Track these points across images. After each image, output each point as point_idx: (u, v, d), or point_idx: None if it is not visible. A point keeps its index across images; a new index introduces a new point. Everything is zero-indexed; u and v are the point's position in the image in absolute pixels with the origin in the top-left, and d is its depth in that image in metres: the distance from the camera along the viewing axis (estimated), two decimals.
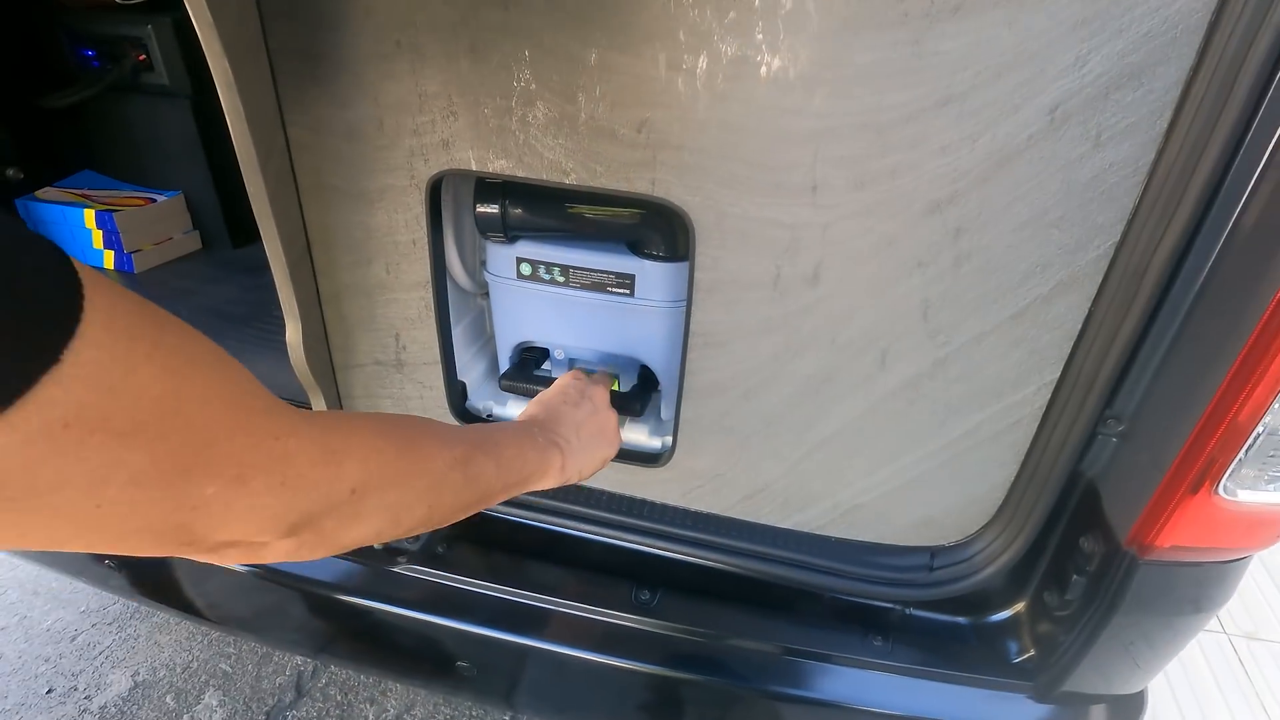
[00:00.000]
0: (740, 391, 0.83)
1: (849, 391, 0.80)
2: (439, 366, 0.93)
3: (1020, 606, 0.91)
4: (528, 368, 1.01)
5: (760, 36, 0.62)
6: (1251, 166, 0.59)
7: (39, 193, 1.60)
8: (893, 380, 0.78)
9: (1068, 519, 0.83)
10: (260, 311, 1.41)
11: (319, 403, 0.98)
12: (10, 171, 1.59)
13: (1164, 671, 1.70)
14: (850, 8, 0.60)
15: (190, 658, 1.67)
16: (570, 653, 0.96)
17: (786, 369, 0.80)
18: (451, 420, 0.98)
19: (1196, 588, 0.77)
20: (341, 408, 1.01)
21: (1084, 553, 0.79)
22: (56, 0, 1.49)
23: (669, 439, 0.92)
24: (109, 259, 1.58)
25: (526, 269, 0.90)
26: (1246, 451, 0.63)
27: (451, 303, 0.93)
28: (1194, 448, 0.66)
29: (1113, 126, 0.61)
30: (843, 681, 0.93)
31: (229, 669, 1.65)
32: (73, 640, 1.70)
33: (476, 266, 0.98)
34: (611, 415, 0.81)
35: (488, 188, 0.85)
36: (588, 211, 0.85)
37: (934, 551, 0.90)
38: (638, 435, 0.99)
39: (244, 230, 1.70)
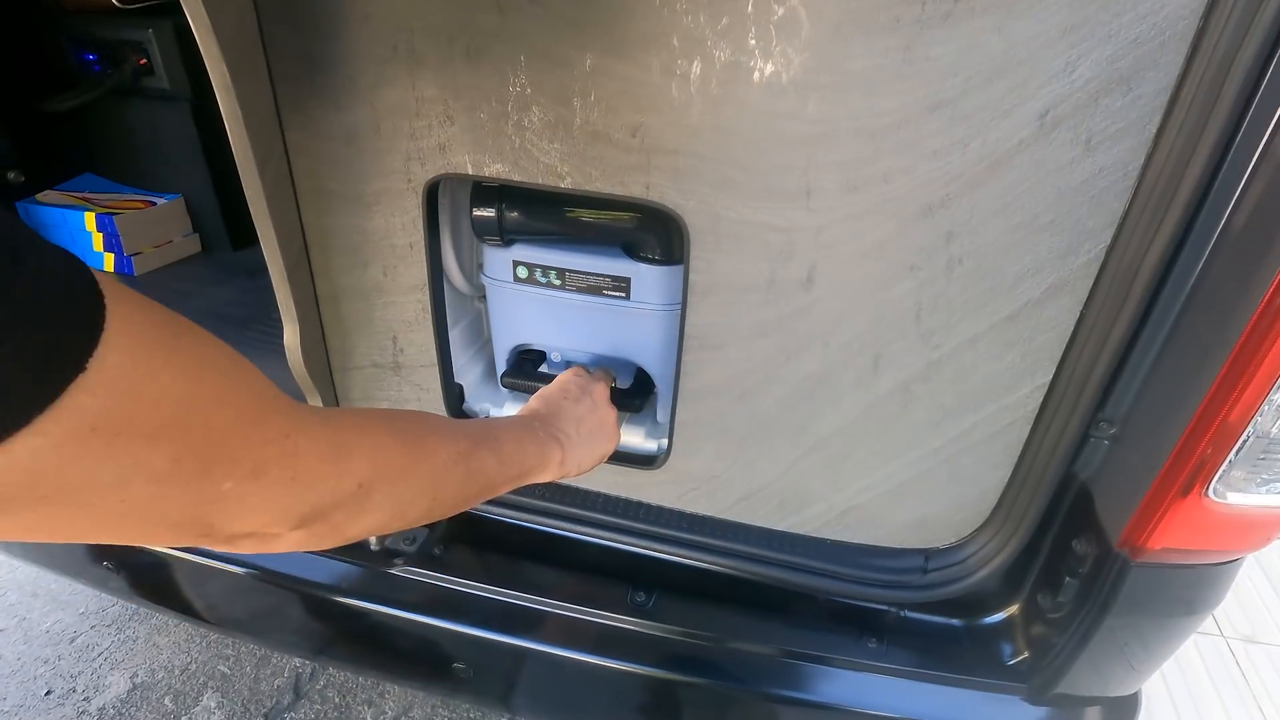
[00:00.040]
0: (735, 394, 0.84)
1: (843, 394, 0.81)
2: (436, 369, 0.94)
3: (1014, 609, 0.91)
4: (526, 368, 1.01)
5: (753, 42, 0.63)
6: (1239, 171, 0.60)
7: (40, 195, 1.61)
8: (887, 383, 0.79)
9: (1061, 521, 0.83)
10: (260, 314, 1.42)
11: (317, 405, 0.98)
12: (11, 174, 1.59)
13: (1161, 674, 1.71)
14: (841, 14, 0.60)
15: (189, 659, 1.67)
16: (566, 654, 0.97)
17: (781, 371, 0.81)
18: None
19: (1188, 590, 0.77)
20: None
21: (1076, 555, 0.80)
22: (58, 5, 1.49)
23: (665, 441, 0.92)
24: (109, 261, 1.59)
25: (523, 272, 0.90)
26: (1236, 454, 0.64)
27: (449, 305, 0.94)
28: (1184, 451, 0.67)
29: (1102, 131, 0.62)
30: (838, 683, 0.94)
31: (227, 671, 1.65)
32: (72, 642, 1.71)
33: (474, 269, 0.98)
34: (611, 411, 0.82)
35: (484, 191, 0.86)
36: (583, 215, 0.85)
37: (928, 554, 0.91)
38: (634, 437, 0.99)
39: (243, 233, 1.71)
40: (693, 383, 0.84)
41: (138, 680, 1.62)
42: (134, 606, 1.78)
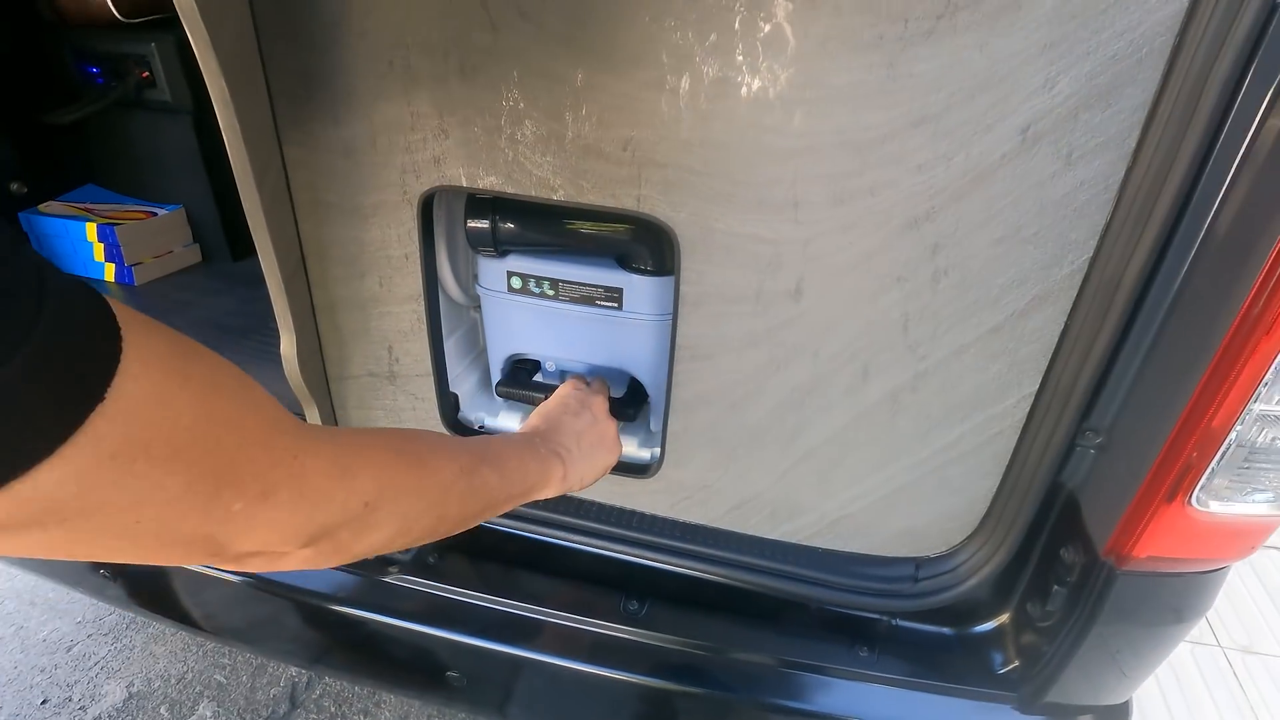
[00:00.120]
0: (726, 403, 0.85)
1: (833, 404, 0.81)
2: (431, 378, 0.95)
3: (1004, 617, 0.92)
4: (521, 377, 1.02)
5: (740, 58, 0.64)
6: (1218, 183, 0.61)
7: (42, 206, 1.62)
8: (875, 393, 0.80)
9: (1049, 530, 0.84)
10: (258, 324, 1.43)
11: (313, 414, 0.99)
12: (14, 185, 1.61)
13: (1158, 684, 1.71)
14: (826, 31, 0.62)
15: (185, 668, 1.67)
16: (559, 663, 0.97)
17: (771, 381, 0.81)
18: (444, 432, 0.99)
19: (1175, 598, 0.78)
20: (335, 419, 1.02)
21: (1064, 563, 0.80)
22: (62, 18, 1.51)
23: (657, 450, 0.93)
24: (110, 271, 1.60)
25: (517, 282, 0.91)
26: (1218, 462, 0.65)
27: (444, 316, 0.95)
28: (1167, 459, 0.68)
29: (1083, 145, 0.63)
30: (829, 692, 0.94)
31: (224, 680, 1.65)
32: (69, 651, 1.71)
33: (469, 280, 0.99)
34: (611, 424, 0.83)
35: (478, 203, 0.87)
36: (576, 227, 0.86)
37: (919, 562, 0.91)
38: (627, 446, 1.00)
39: (243, 243, 1.72)
40: (684, 392, 0.85)
41: (134, 689, 1.62)
42: (131, 615, 1.78)
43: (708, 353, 0.81)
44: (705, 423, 0.87)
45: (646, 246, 0.86)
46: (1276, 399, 0.63)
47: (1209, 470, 0.65)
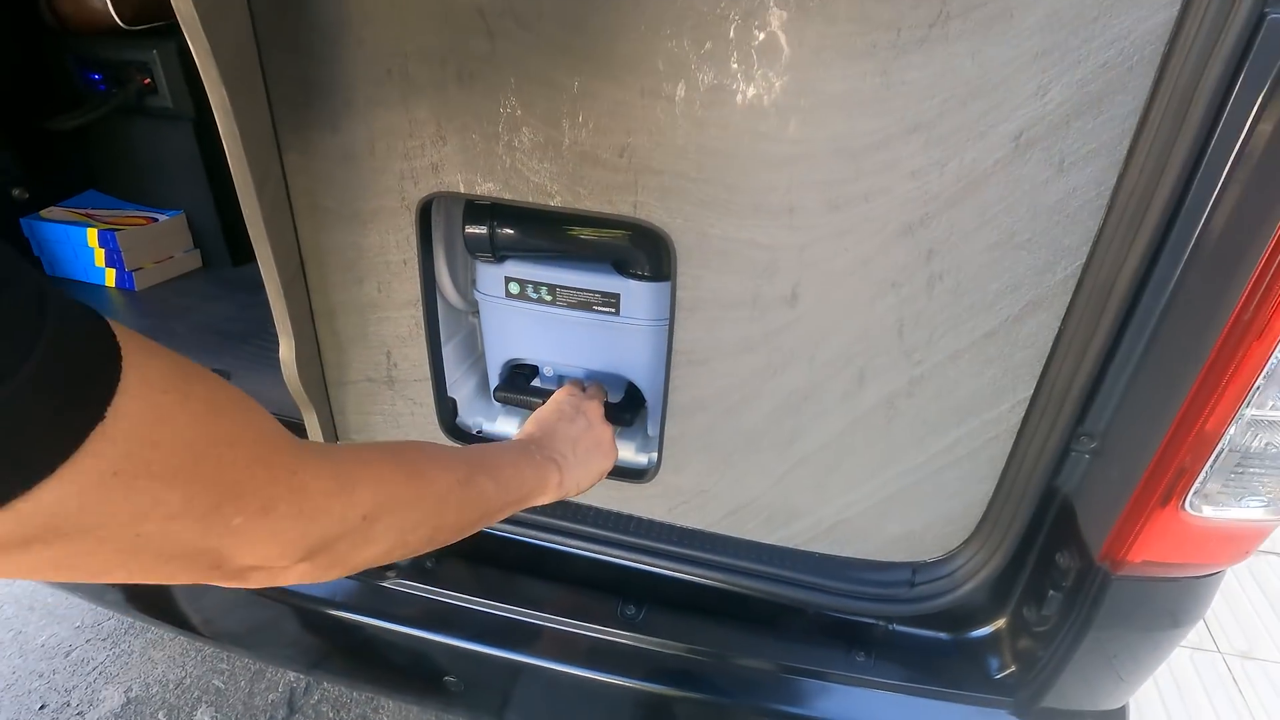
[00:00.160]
0: (723, 408, 0.85)
1: (829, 409, 0.82)
2: (429, 383, 0.95)
3: (1001, 622, 0.92)
4: (519, 382, 1.03)
5: (735, 66, 0.65)
6: (1209, 189, 0.61)
7: (43, 212, 1.63)
8: (871, 397, 0.80)
9: (1044, 535, 0.84)
10: (258, 329, 1.43)
11: (312, 420, 0.99)
12: (16, 191, 1.62)
13: (1157, 690, 1.71)
14: (820, 39, 0.62)
15: (183, 674, 1.67)
16: (557, 668, 0.97)
17: (767, 386, 0.82)
18: (442, 437, 1.00)
19: (1170, 602, 0.78)
20: (334, 424, 1.03)
21: (1060, 568, 0.81)
22: (65, 26, 1.52)
23: (655, 455, 0.93)
24: (110, 277, 1.61)
25: (515, 288, 0.92)
26: (1211, 467, 0.65)
27: (442, 321, 0.95)
28: (1161, 464, 0.68)
29: (1075, 152, 0.63)
30: (827, 697, 0.94)
31: (222, 685, 1.65)
32: (67, 656, 1.71)
33: (467, 285, 1.00)
34: (607, 429, 0.83)
35: (476, 209, 0.88)
36: (574, 232, 0.87)
37: (916, 567, 0.91)
38: (625, 451, 1.00)
39: (244, 249, 1.71)
40: (681, 397, 0.85)
41: (132, 694, 1.62)
42: (129, 620, 1.78)
43: (704, 358, 0.82)
44: (702, 427, 0.87)
45: (643, 252, 0.86)
46: (1271, 404, 0.63)
47: (1202, 475, 0.66)
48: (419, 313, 0.89)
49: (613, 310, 0.90)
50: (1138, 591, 0.76)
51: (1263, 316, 0.59)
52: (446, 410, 1.00)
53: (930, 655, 0.94)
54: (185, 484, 0.36)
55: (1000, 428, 0.79)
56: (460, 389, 1.05)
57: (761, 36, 0.63)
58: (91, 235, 1.56)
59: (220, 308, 1.55)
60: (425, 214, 0.83)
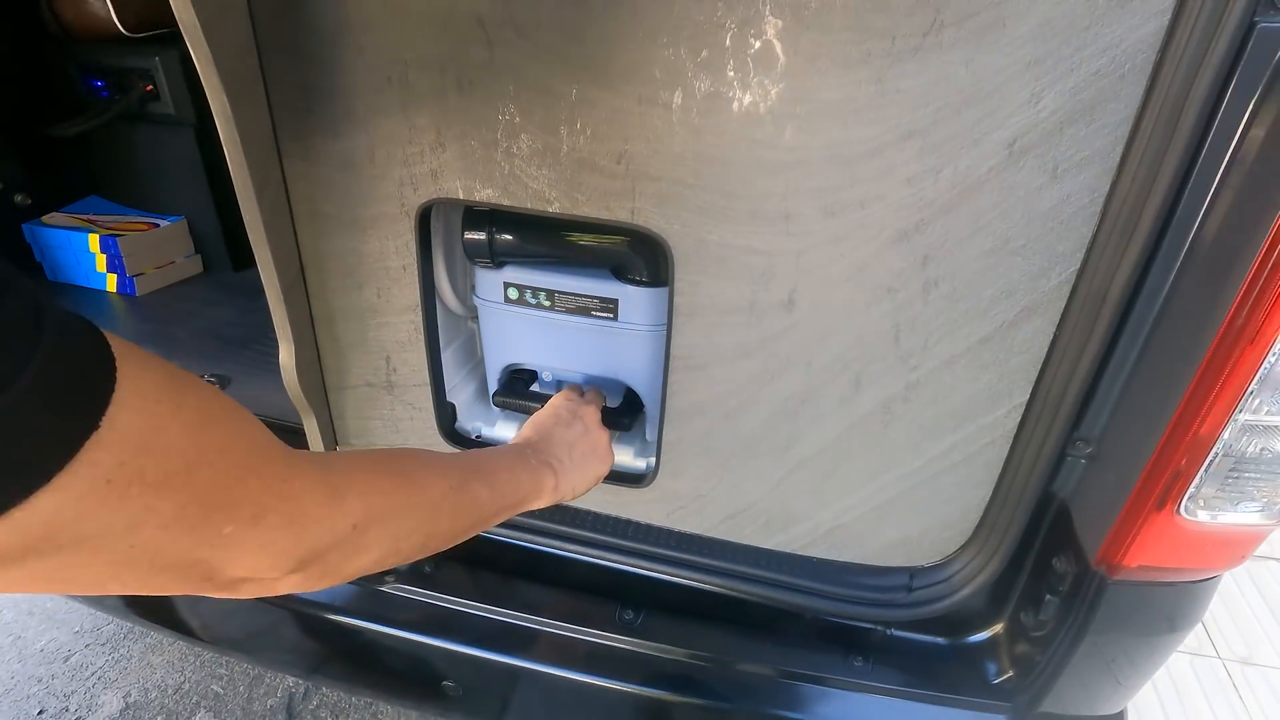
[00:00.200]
0: (720, 413, 0.85)
1: (826, 414, 0.82)
2: (429, 388, 0.95)
3: (999, 627, 0.92)
4: (518, 387, 1.03)
5: (732, 74, 0.65)
6: (1200, 196, 0.62)
7: (46, 218, 1.64)
8: (867, 403, 0.80)
9: (1041, 540, 0.84)
10: (258, 334, 1.44)
11: (311, 424, 1.00)
12: (18, 197, 1.63)
13: (1157, 696, 1.71)
14: (816, 47, 0.63)
15: (182, 679, 1.67)
16: (555, 672, 0.97)
17: (764, 391, 0.82)
18: (441, 441, 1.00)
19: (1166, 607, 0.78)
20: (334, 429, 1.03)
21: (1057, 573, 0.81)
22: (68, 33, 1.54)
23: (653, 460, 0.94)
24: (112, 282, 1.62)
25: (514, 293, 0.92)
26: (1205, 472, 0.65)
27: (442, 326, 0.96)
28: (1155, 470, 0.68)
29: (1068, 159, 0.64)
30: (825, 702, 0.94)
31: (220, 690, 1.65)
32: (66, 660, 1.71)
33: (466, 291, 1.00)
34: (603, 434, 0.83)
35: (475, 215, 0.88)
36: (572, 238, 0.87)
37: (913, 572, 0.92)
38: (623, 456, 1.00)
39: (244, 254, 1.72)
40: (679, 402, 0.86)
41: (131, 699, 1.62)
42: (129, 625, 1.78)
43: (701, 363, 0.82)
44: (700, 432, 0.87)
45: (641, 258, 0.87)
46: (1265, 409, 0.64)
47: (1197, 479, 0.66)
48: (418, 318, 0.90)
49: (611, 315, 0.90)
50: (1134, 596, 0.76)
51: (1255, 322, 0.59)
52: (446, 415, 1.00)
53: (928, 660, 0.94)
54: (177, 492, 0.36)
55: (996, 433, 0.79)
56: (459, 394, 1.06)
57: (757, 45, 0.64)
58: (93, 241, 1.57)
59: (221, 313, 1.56)
60: (425, 220, 0.84)
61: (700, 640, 0.98)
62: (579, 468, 0.77)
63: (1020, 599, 0.89)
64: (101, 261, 1.59)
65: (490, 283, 0.93)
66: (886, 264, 0.72)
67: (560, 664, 0.97)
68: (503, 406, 1.02)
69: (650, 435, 1.02)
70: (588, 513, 0.99)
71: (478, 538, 1.01)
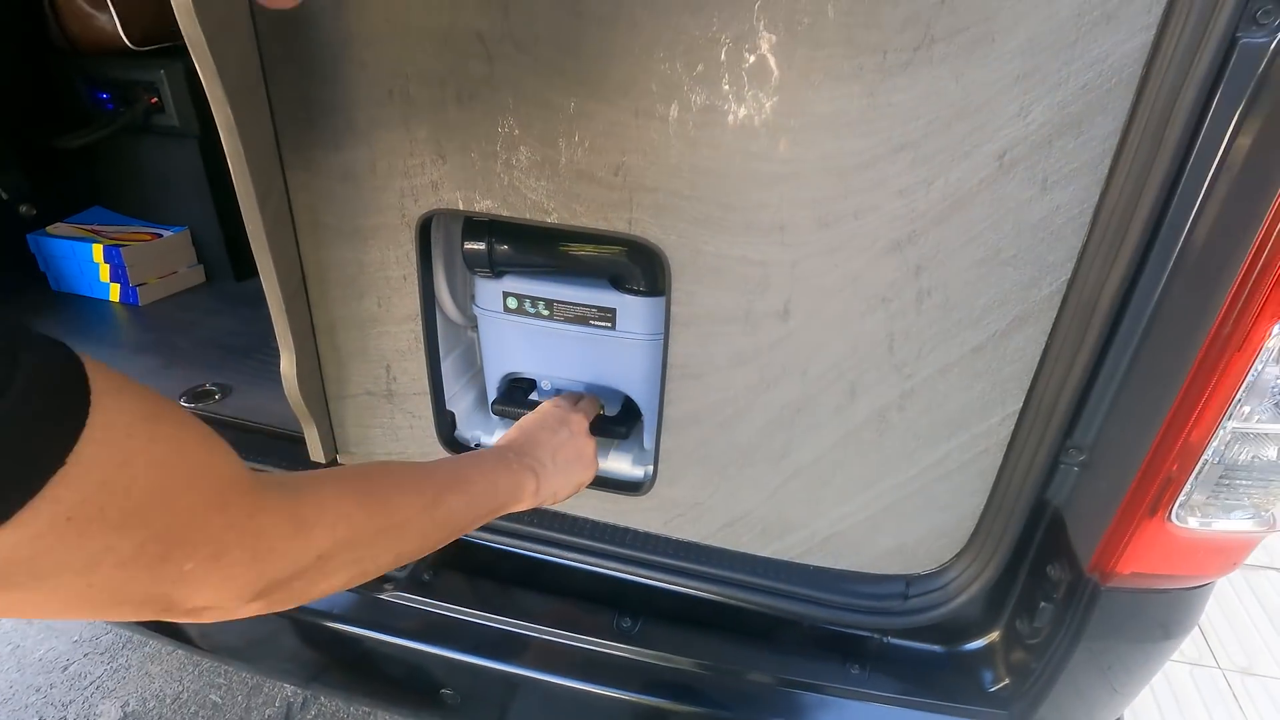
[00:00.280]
0: (717, 422, 0.86)
1: (821, 422, 0.83)
2: (428, 397, 0.96)
3: (994, 635, 0.92)
4: (517, 395, 1.04)
5: (727, 88, 0.67)
6: (1188, 206, 0.63)
7: (50, 228, 1.65)
8: (862, 411, 0.81)
9: (1035, 547, 0.85)
10: (260, 343, 1.45)
11: (312, 433, 1.01)
12: (23, 208, 1.64)
13: (1157, 706, 1.70)
14: (809, 62, 0.64)
15: (180, 688, 1.67)
16: (552, 680, 0.98)
17: (760, 400, 0.83)
18: (441, 449, 1.01)
19: (1160, 614, 0.79)
20: (334, 437, 1.04)
21: (1051, 580, 0.81)
22: (74, 46, 1.55)
23: (650, 468, 0.94)
24: (115, 292, 1.63)
25: (513, 303, 0.93)
26: (1195, 479, 0.66)
27: (441, 335, 0.96)
28: (1147, 476, 0.69)
29: (1058, 171, 0.65)
30: (821, 710, 0.94)
31: (219, 700, 1.65)
32: (64, 670, 1.71)
33: (466, 300, 1.01)
34: (589, 441, 0.84)
35: (475, 226, 0.89)
36: (570, 249, 0.89)
37: (909, 580, 0.92)
38: (621, 464, 1.01)
39: (247, 264, 1.75)
40: (676, 411, 0.87)
41: (129, 709, 1.62)
42: (127, 634, 1.78)
43: (698, 372, 0.83)
44: (696, 441, 0.88)
45: (638, 268, 0.88)
46: (1254, 416, 0.65)
47: (1188, 486, 0.67)
48: (418, 327, 0.91)
49: (609, 325, 0.91)
50: (1128, 603, 0.76)
51: (1243, 328, 0.60)
52: (445, 423, 1.01)
53: (925, 668, 0.95)
54: (137, 530, 0.35)
55: (990, 441, 0.80)
56: (459, 402, 1.06)
57: (752, 59, 0.65)
58: (97, 251, 1.58)
59: (223, 322, 1.57)
60: (425, 231, 0.85)
61: (698, 648, 0.98)
62: (562, 472, 0.78)
63: (1015, 606, 0.89)
64: (105, 271, 1.61)
65: (489, 292, 0.94)
66: (880, 274, 0.73)
67: (558, 672, 0.97)
68: (502, 415, 1.03)
69: (648, 443, 1.03)
70: (586, 521, 1.00)
71: (475, 545, 1.02)
